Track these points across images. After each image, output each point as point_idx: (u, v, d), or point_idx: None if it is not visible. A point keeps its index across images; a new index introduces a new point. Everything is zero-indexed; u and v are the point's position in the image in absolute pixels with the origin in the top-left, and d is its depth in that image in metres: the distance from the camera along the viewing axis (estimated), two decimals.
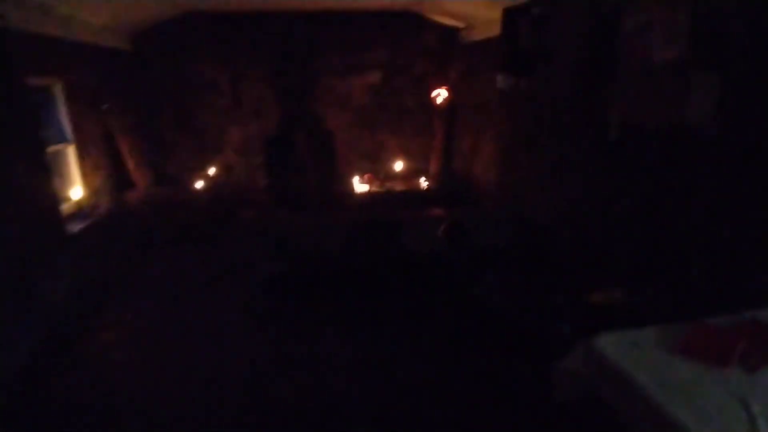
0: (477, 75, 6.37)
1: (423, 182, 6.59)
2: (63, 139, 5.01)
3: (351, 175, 7.13)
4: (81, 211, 4.97)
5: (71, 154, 5.12)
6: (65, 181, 5.04)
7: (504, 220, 4.71)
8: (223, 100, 6.83)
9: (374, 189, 6.22)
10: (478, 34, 6.26)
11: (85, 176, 5.21)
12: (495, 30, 5.62)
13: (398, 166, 6.63)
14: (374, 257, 4.30)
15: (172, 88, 6.65)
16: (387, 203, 5.93)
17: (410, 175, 6.74)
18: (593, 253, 3.93)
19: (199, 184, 6.16)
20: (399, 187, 6.29)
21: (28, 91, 3.93)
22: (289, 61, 6.78)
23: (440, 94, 6.90)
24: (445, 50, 7.06)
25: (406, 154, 7.44)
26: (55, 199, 4.28)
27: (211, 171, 6.64)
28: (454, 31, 6.93)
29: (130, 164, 5.57)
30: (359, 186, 6.29)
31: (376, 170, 7.05)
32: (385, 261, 4.24)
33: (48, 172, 4.19)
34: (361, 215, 4.69)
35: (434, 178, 6.95)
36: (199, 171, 6.73)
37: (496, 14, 4.90)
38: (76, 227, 4.66)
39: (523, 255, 4.19)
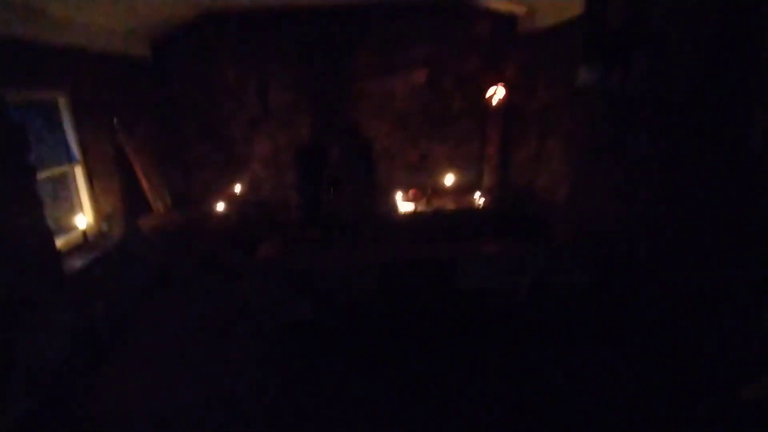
0: (542, 70, 5.32)
1: (477, 199, 5.59)
2: (69, 159, 4.47)
3: (393, 191, 6.25)
4: (87, 242, 4.39)
5: (79, 175, 4.56)
6: (70, 207, 4.49)
7: (583, 258, 3.66)
8: (250, 109, 6.15)
9: (420, 208, 5.29)
10: (544, 20, 5.21)
11: (95, 201, 4.65)
12: (567, 13, 4.58)
13: (448, 180, 5.68)
14: (420, 304, 3.40)
15: (194, 98, 6.05)
16: (435, 227, 5.00)
17: (461, 189, 5.76)
18: (723, 309, 2.82)
19: (223, 206, 5.46)
20: (449, 205, 5.32)
21: (6, 107, 3.33)
22: (321, 64, 6.00)
23: (495, 94, 5.89)
24: (499, 43, 6.03)
25: (454, 165, 6.47)
26: (47, 234, 3.67)
27: (237, 189, 5.97)
28: (510, 19, 5.89)
29: (146, 185, 4.96)
30: (403, 204, 5.39)
31: (422, 185, 6.14)
32: (434, 309, 3.33)
33: (38, 203, 3.59)
34: (404, 247, 3.82)
35: (489, 192, 5.94)
36: (224, 189, 6.08)
37: None
38: (78, 263, 4.07)
39: (615, 313, 3.14)
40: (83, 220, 4.37)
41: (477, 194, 5.45)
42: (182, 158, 6.20)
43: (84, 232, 4.35)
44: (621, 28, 3.21)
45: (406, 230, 4.91)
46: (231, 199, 5.83)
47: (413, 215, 5.02)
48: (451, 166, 6.47)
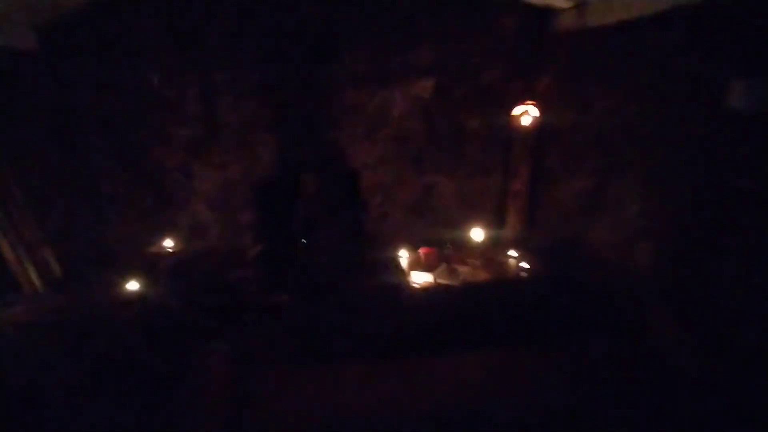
0: (601, 81, 3.89)
1: (516, 260, 3.85)
2: None
3: (389, 240, 4.61)
4: None
5: None
6: None
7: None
8: (190, 127, 4.35)
9: (441, 278, 3.50)
10: (601, 15, 3.80)
11: None
12: (641, 3, 3.20)
13: (477, 234, 4.07)
14: None
15: (106, 111, 4.18)
16: (474, 320, 3.31)
17: (487, 243, 4.19)
18: None
19: (136, 280, 3.50)
20: (480, 272, 3.61)
21: None
22: (292, 65, 4.31)
23: (527, 113, 4.41)
24: (530, 45, 4.59)
25: (464, 204, 4.94)
26: None
27: (167, 243, 4.11)
28: (545, 13, 4.46)
29: (8, 249, 3.06)
30: (417, 275, 3.56)
31: (435, 238, 4.50)
32: None
33: None
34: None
35: (519, 243, 4.40)
36: (150, 243, 4.21)
37: None
38: None
39: None
40: None
41: (512, 253, 3.89)
42: (90, 197, 4.30)
43: None
44: None
45: (428, 324, 3.29)
46: (159, 258, 3.96)
47: (435, 293, 3.34)
48: (462, 205, 4.93)
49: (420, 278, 3.42)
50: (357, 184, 4.80)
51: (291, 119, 4.51)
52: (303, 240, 4.71)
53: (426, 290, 3.35)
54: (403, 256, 3.93)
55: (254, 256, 4.65)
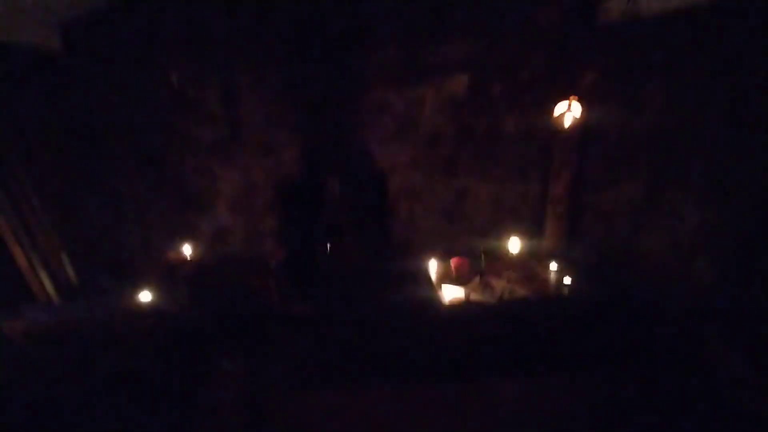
0: (659, 76, 3.49)
1: (557, 275, 3.46)
2: None
3: (420, 251, 4.32)
4: None
5: None
6: None
7: None
8: (212, 128, 4.19)
9: (474, 293, 3.14)
10: (659, 2, 3.40)
11: None
12: None
13: (514, 245, 3.73)
14: None
15: (126, 112, 4.07)
16: (508, 341, 2.97)
17: (525, 255, 3.84)
18: None
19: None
20: (518, 287, 3.26)
21: None
22: (318, 63, 4.08)
23: (570, 110, 4.03)
24: (575, 37, 4.19)
25: (499, 210, 4.59)
26: None
27: (187, 249, 3.95)
28: (593, 2, 4.06)
29: (21, 255, 2.95)
30: (448, 289, 3.19)
31: (466, 249, 4.19)
32: None
33: None
34: None
35: (559, 255, 4.03)
36: (169, 248, 4.07)
37: None
38: None
39: None
40: None
41: (552, 266, 3.53)
42: (110, 202, 4.19)
43: None
44: None
45: (460, 345, 2.98)
46: (178, 266, 3.80)
47: (468, 311, 3.02)
48: (496, 211, 4.59)
49: (451, 293, 3.12)
50: (385, 188, 4.53)
51: (316, 120, 4.29)
52: (327, 247, 4.49)
53: (458, 307, 3.04)
54: (433, 267, 3.63)
55: (277, 264, 4.45)
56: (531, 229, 4.53)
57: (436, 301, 3.14)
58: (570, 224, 4.31)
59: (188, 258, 3.86)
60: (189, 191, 4.28)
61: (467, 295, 3.09)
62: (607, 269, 3.63)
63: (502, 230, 4.50)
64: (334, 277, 4.44)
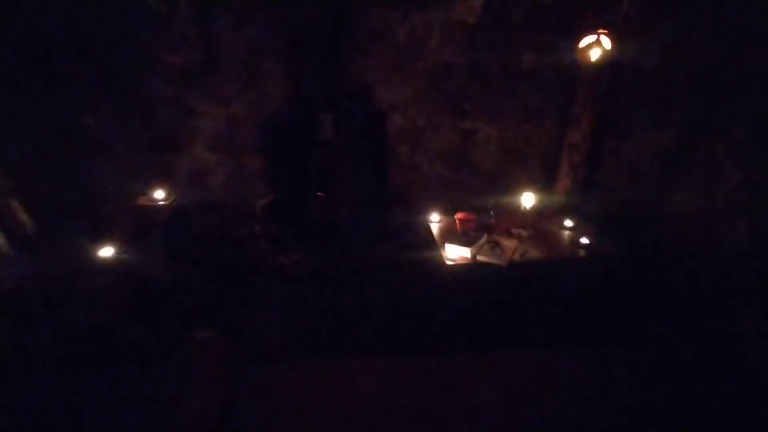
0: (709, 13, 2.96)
1: (572, 233, 3.22)
2: None
3: (421, 200, 3.94)
4: None
5: None
6: None
7: None
8: (184, 52, 3.61)
9: (482, 255, 2.79)
10: None
11: None
12: None
13: (527, 200, 3.32)
14: None
15: (85, 30, 3.46)
16: (520, 309, 2.65)
17: (536, 210, 3.45)
18: None
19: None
20: (532, 248, 2.88)
21: None
22: None
23: (598, 44, 3.49)
24: None
25: (510, 157, 4.17)
26: None
27: (160, 194, 3.52)
28: None
29: None
30: (452, 249, 2.79)
31: (474, 195, 3.82)
32: None
33: None
34: None
35: (572, 209, 3.67)
36: (141, 193, 3.63)
37: None
38: None
39: None
40: None
41: (567, 223, 3.16)
42: (72, 138, 3.68)
43: None
44: None
45: (465, 312, 2.68)
46: (149, 213, 3.39)
47: (474, 274, 2.67)
48: (505, 157, 4.16)
49: (455, 253, 2.78)
50: (383, 128, 4.05)
51: (305, 46, 3.71)
52: (319, 192, 4.08)
53: (463, 269, 2.72)
54: (435, 221, 3.26)
55: (263, 209, 4.06)
56: (541, 178, 4.14)
57: (438, 261, 2.80)
58: (586, 174, 3.91)
59: (162, 203, 3.44)
60: (161, 126, 3.77)
61: (473, 256, 2.75)
62: (629, 228, 3.29)
63: (511, 180, 4.13)
64: (326, 225, 4.08)
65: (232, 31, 3.58)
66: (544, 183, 4.10)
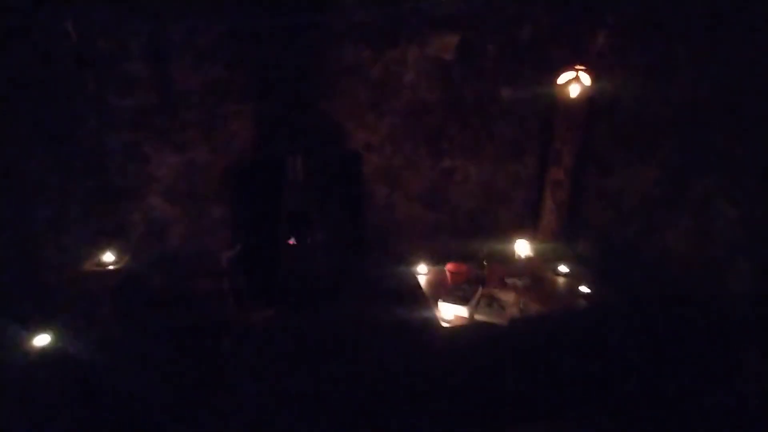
0: (691, 35, 2.91)
1: (569, 279, 2.97)
2: None
3: (399, 244, 3.69)
4: None
5: None
6: None
7: None
8: (136, 95, 3.25)
9: (482, 315, 2.49)
10: None
11: None
12: None
13: (521, 248, 3.11)
14: None
15: (23, 70, 3.06)
16: (528, 375, 2.37)
17: (526, 252, 3.25)
18: None
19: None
20: (529, 302, 2.64)
21: None
22: (272, 11, 3.19)
23: (577, 80, 3.40)
24: None
25: (492, 194, 4.00)
26: None
27: (108, 258, 3.07)
28: None
29: None
30: (446, 308, 2.50)
31: (455, 237, 3.60)
32: None
33: None
34: None
35: (562, 250, 3.50)
36: (87, 257, 3.17)
37: None
38: None
39: None
40: None
41: (563, 268, 2.96)
42: (10, 190, 3.22)
43: None
44: None
45: (467, 382, 2.39)
46: (94, 281, 2.94)
47: (474, 336, 2.38)
48: (488, 194, 3.99)
49: (450, 312, 2.52)
50: (358, 169, 3.80)
51: (272, 85, 3.44)
52: (290, 239, 3.75)
53: (461, 332, 2.44)
54: (422, 273, 3.00)
55: (229, 261, 3.68)
56: (527, 218, 3.98)
57: (432, 323, 2.52)
58: (570, 213, 3.78)
59: (112, 267, 3.00)
60: (112, 178, 3.37)
61: (471, 315, 2.50)
62: (625, 271, 3.13)
63: (494, 219, 3.95)
64: (300, 275, 3.74)
65: (190, 72, 3.27)
66: (528, 222, 3.94)
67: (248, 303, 3.64)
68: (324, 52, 3.44)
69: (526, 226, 3.90)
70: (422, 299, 2.73)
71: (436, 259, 3.07)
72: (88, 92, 3.15)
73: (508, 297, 2.66)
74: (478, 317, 2.51)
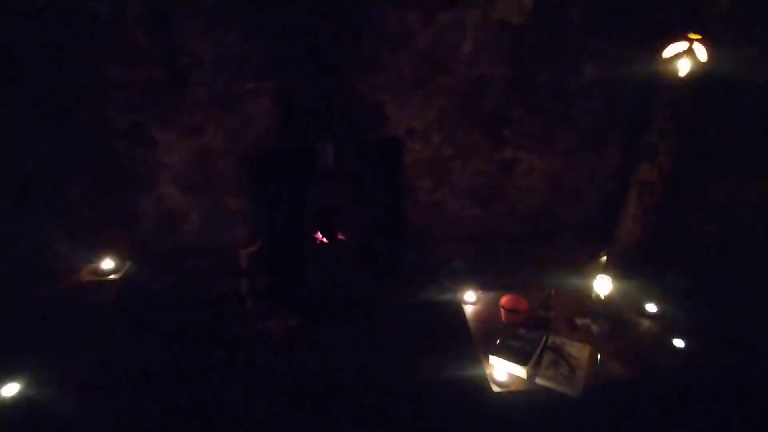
0: None
1: (656, 326, 2.19)
2: None
3: (445, 246, 3.11)
4: None
5: None
6: None
7: None
8: (140, 68, 2.74)
9: (545, 381, 1.95)
10: None
11: None
12: None
13: (602, 286, 2.43)
14: None
15: (12, 44, 2.61)
16: None
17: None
18: None
19: None
20: (607, 357, 2.06)
21: None
22: None
23: (690, 53, 2.57)
24: None
25: (559, 192, 3.30)
26: None
27: (107, 264, 2.68)
28: None
29: None
30: (500, 364, 1.93)
31: (508, 241, 2.97)
32: None
33: None
34: None
35: (622, 262, 2.81)
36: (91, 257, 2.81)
37: None
38: None
39: None
40: None
41: (650, 307, 2.27)
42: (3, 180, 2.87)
43: None
44: None
45: None
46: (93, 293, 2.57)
47: (532, 407, 1.83)
48: (555, 193, 3.29)
49: (504, 371, 1.96)
50: (399, 158, 3.19)
51: (298, 58, 2.82)
52: (317, 238, 3.27)
53: (517, 401, 1.88)
54: (470, 302, 2.43)
55: (249, 260, 3.26)
56: (599, 224, 3.28)
57: (481, 384, 1.98)
58: (660, 224, 3.04)
59: (112, 276, 2.61)
60: (117, 161, 2.94)
61: (529, 377, 1.94)
62: (719, 309, 2.43)
63: (558, 223, 3.28)
64: (328, 281, 3.28)
65: (201, 40, 2.71)
66: (601, 228, 3.24)
67: (267, 309, 3.24)
68: (361, 15, 2.76)
69: (600, 233, 3.20)
70: (469, 345, 2.17)
71: (486, 273, 2.48)
72: (86, 64, 2.66)
73: (579, 353, 2.06)
74: (540, 382, 1.94)
